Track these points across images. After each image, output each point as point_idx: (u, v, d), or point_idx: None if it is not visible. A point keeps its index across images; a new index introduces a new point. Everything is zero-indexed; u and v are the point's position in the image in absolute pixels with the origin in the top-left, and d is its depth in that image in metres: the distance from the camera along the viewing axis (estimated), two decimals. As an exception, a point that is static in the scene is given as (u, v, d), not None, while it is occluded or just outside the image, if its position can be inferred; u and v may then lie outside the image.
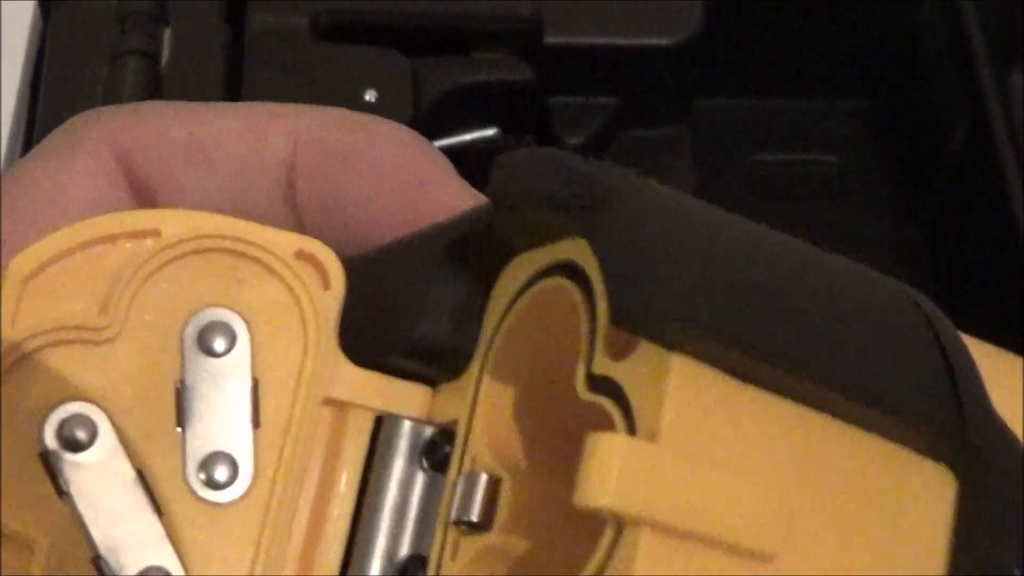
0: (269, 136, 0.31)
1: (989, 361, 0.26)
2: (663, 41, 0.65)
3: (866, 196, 0.68)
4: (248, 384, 0.27)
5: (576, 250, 0.26)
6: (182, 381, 0.27)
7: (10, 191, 0.30)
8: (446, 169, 0.32)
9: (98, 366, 0.27)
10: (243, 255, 0.28)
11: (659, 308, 0.23)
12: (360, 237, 0.31)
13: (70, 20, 0.61)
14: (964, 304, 0.56)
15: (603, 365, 0.25)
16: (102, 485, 0.26)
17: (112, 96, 0.58)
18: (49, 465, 0.26)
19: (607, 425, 0.24)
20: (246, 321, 0.27)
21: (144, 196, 0.31)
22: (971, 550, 0.25)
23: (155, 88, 0.59)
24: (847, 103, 0.69)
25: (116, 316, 0.27)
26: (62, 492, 0.26)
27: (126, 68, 0.59)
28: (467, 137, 0.63)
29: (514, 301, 0.27)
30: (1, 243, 0.29)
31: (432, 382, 0.28)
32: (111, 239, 0.27)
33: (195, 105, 0.32)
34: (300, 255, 0.28)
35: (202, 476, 0.27)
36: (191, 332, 0.27)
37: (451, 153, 0.34)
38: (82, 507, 0.26)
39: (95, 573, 0.26)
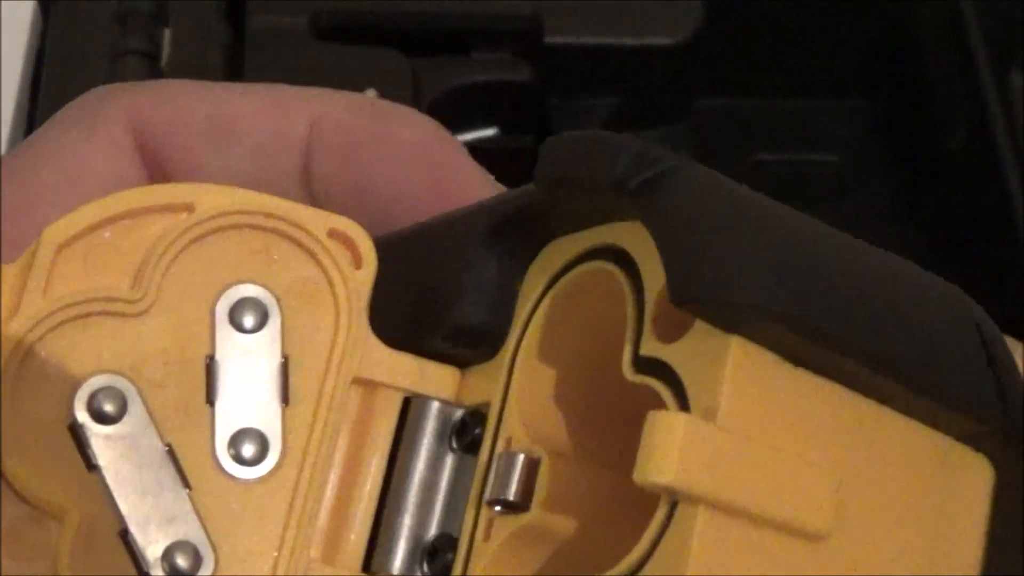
0: (291, 117, 0.31)
1: None
2: (663, 41, 0.65)
3: (866, 196, 0.68)
4: (278, 361, 0.27)
5: (619, 234, 0.26)
6: (212, 357, 0.27)
7: (30, 161, 0.30)
8: (466, 155, 0.32)
9: (129, 340, 0.27)
10: (276, 232, 0.27)
11: (729, 292, 0.23)
12: (382, 219, 0.31)
13: (70, 20, 0.61)
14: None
15: (651, 347, 0.25)
16: (131, 459, 0.26)
17: (113, 95, 0.58)
18: (78, 437, 0.26)
19: (654, 405, 0.24)
20: (277, 298, 0.27)
21: (155, 173, 0.31)
22: (1007, 539, 0.25)
23: (155, 87, 0.59)
24: (847, 103, 0.69)
25: (148, 290, 0.27)
26: (91, 465, 0.26)
27: (126, 68, 0.59)
28: (467, 137, 0.63)
29: (550, 285, 0.27)
30: (21, 215, 0.29)
31: (461, 364, 0.28)
32: (145, 212, 0.27)
33: (217, 84, 0.32)
34: (332, 233, 0.28)
35: (231, 452, 0.27)
36: (222, 308, 0.27)
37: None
38: (111, 480, 0.26)
39: (123, 546, 0.26)
